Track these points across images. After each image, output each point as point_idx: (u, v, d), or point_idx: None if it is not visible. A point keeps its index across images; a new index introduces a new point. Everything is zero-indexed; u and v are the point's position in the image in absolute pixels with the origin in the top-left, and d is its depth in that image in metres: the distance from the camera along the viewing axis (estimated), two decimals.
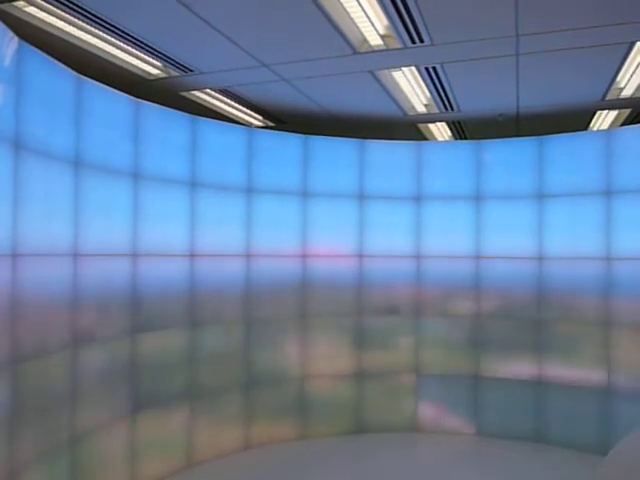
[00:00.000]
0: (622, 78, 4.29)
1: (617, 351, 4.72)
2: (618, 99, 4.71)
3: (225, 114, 5.34)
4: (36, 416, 3.06)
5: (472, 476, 4.48)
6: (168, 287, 4.32)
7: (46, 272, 3.17)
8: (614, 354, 4.74)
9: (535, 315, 5.12)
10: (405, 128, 5.80)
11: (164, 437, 4.29)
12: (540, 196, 5.14)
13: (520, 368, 5.21)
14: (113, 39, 3.64)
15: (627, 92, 4.55)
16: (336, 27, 3.36)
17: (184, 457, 4.47)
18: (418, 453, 5.14)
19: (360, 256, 5.38)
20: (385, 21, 3.36)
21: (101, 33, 3.55)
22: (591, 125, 5.67)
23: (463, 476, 4.47)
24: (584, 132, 5.43)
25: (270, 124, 5.76)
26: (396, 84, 4.53)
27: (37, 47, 3.08)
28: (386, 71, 4.24)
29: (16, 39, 2.89)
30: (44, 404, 3.14)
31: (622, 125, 5.49)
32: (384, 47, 3.70)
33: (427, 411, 5.48)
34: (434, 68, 4.10)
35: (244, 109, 5.27)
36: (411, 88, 4.65)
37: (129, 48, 3.80)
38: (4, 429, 2.79)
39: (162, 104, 4.29)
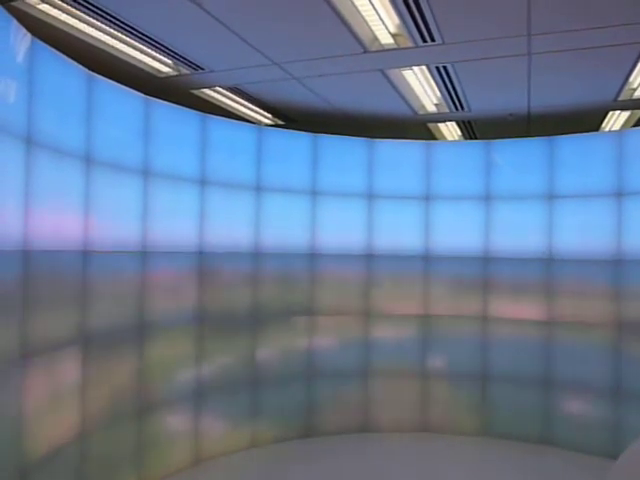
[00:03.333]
0: (635, 78, 4.25)
1: None
2: (631, 99, 4.67)
3: (235, 112, 5.35)
4: None
5: None
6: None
7: (55, 268, 3.19)
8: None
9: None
10: (415, 127, 5.79)
11: None
12: (550, 197, 5.10)
13: None
14: (124, 37, 3.66)
15: None
16: (347, 25, 3.35)
17: None
18: None
19: (368, 255, 5.38)
20: (396, 20, 3.35)
21: (112, 31, 3.56)
22: (603, 126, 5.62)
23: None
24: (595, 133, 5.39)
25: (280, 122, 5.76)
26: (407, 83, 4.51)
27: (49, 44, 3.09)
28: (397, 70, 4.23)
29: (29, 36, 2.91)
30: None
31: (634, 126, 5.44)
32: (395, 46, 3.68)
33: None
34: (445, 67, 4.08)
35: (254, 107, 5.27)
36: (421, 87, 4.63)
37: (140, 46, 3.81)
38: None
39: (172, 102, 4.30)
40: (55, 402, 3.16)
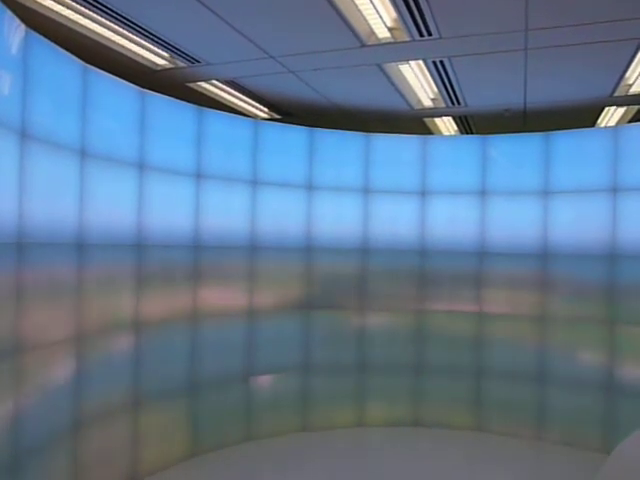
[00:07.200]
0: (631, 74, 4.26)
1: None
2: (627, 95, 4.68)
3: (231, 106, 5.33)
4: None
5: None
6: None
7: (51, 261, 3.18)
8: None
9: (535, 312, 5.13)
10: (411, 122, 5.78)
11: None
12: (546, 192, 5.11)
13: None
14: (120, 29, 3.64)
15: (636, 88, 4.52)
16: (344, 19, 3.34)
17: None
18: None
19: (364, 250, 5.38)
20: (393, 14, 3.34)
21: (108, 22, 3.55)
22: (598, 121, 5.64)
23: None
24: (591, 128, 5.40)
25: (276, 116, 5.74)
26: (403, 78, 4.51)
27: (44, 36, 3.07)
28: (393, 64, 4.22)
29: (23, 27, 2.88)
30: None
31: (630, 122, 5.46)
32: (392, 40, 3.68)
33: None
34: (441, 62, 4.08)
35: (250, 101, 5.26)
36: (418, 82, 4.63)
37: (136, 38, 3.80)
38: None
39: (168, 95, 4.28)
40: None
